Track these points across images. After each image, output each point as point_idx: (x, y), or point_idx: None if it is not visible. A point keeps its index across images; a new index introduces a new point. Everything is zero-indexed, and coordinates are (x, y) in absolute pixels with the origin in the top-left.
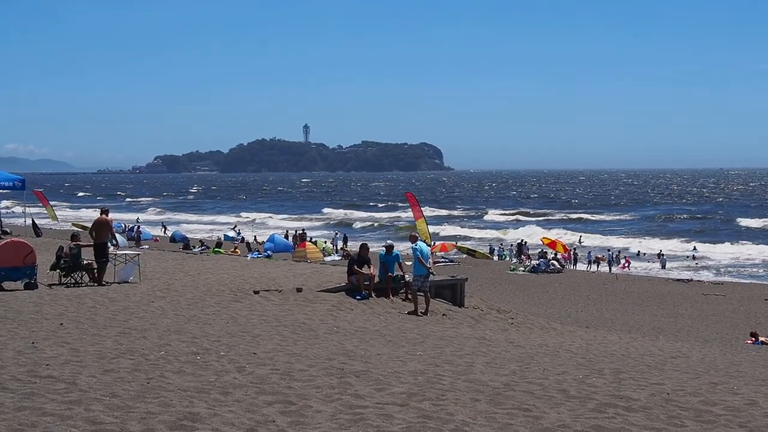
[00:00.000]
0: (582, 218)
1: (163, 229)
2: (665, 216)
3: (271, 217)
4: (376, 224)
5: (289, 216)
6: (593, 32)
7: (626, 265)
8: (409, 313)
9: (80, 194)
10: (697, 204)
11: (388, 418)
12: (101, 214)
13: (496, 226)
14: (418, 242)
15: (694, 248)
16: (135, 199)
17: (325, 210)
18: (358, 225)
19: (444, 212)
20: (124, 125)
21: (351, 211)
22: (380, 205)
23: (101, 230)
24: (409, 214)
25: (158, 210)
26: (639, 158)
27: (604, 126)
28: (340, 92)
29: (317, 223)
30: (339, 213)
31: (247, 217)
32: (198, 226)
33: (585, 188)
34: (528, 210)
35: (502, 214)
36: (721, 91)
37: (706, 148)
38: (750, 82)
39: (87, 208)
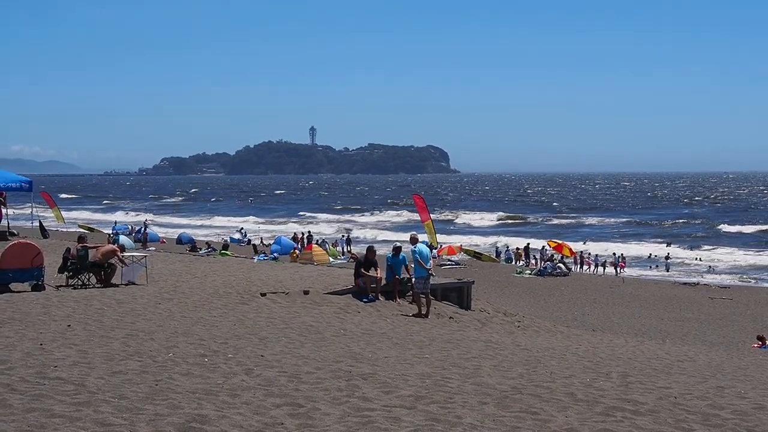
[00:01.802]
0: (561, 224)
1: (143, 228)
2: (671, 221)
3: (246, 220)
4: (334, 229)
5: (256, 219)
6: (603, 33)
7: (621, 266)
8: (414, 316)
9: (62, 196)
10: (697, 207)
11: (396, 421)
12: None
13: (460, 230)
14: (418, 244)
15: (695, 254)
16: (114, 202)
17: (301, 213)
18: (312, 229)
19: (414, 215)
20: (131, 127)
21: (327, 215)
22: (353, 207)
23: (106, 254)
24: (382, 219)
25: (134, 213)
26: (655, 161)
27: (616, 128)
28: (347, 95)
29: (283, 227)
30: (313, 217)
31: (208, 220)
32: (166, 230)
33: (579, 191)
34: (507, 214)
35: (474, 219)
36: (723, 93)
37: (709, 151)
38: (752, 85)
39: (66, 210)
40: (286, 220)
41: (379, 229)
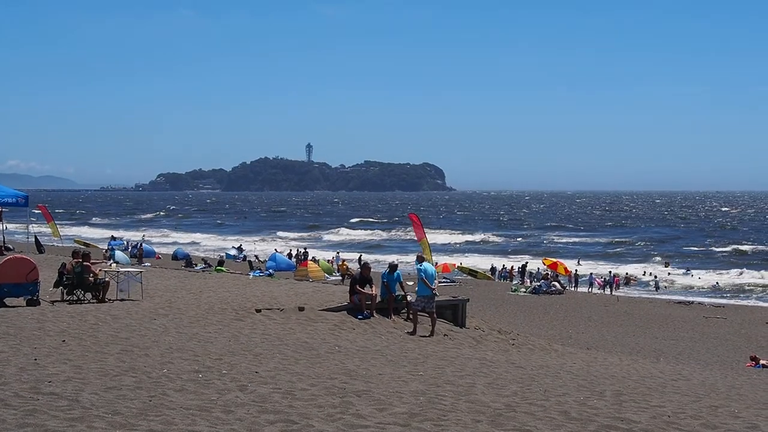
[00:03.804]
0: (528, 242)
1: (139, 244)
2: (664, 239)
3: (211, 237)
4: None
5: (207, 235)
6: (602, 51)
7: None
8: (408, 334)
9: (36, 210)
10: (671, 227)
11: None
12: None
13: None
14: (425, 263)
15: (688, 270)
16: (82, 217)
17: (267, 230)
18: (266, 247)
19: (367, 232)
20: (127, 142)
21: (290, 233)
22: (327, 225)
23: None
24: (347, 238)
25: (100, 228)
26: (655, 179)
27: (616, 146)
28: (344, 112)
29: (235, 244)
30: (273, 233)
31: (164, 236)
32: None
33: (559, 209)
34: (469, 232)
35: (440, 238)
36: (724, 113)
37: (710, 170)
38: (754, 105)
39: (37, 224)
40: (237, 238)
41: (342, 249)
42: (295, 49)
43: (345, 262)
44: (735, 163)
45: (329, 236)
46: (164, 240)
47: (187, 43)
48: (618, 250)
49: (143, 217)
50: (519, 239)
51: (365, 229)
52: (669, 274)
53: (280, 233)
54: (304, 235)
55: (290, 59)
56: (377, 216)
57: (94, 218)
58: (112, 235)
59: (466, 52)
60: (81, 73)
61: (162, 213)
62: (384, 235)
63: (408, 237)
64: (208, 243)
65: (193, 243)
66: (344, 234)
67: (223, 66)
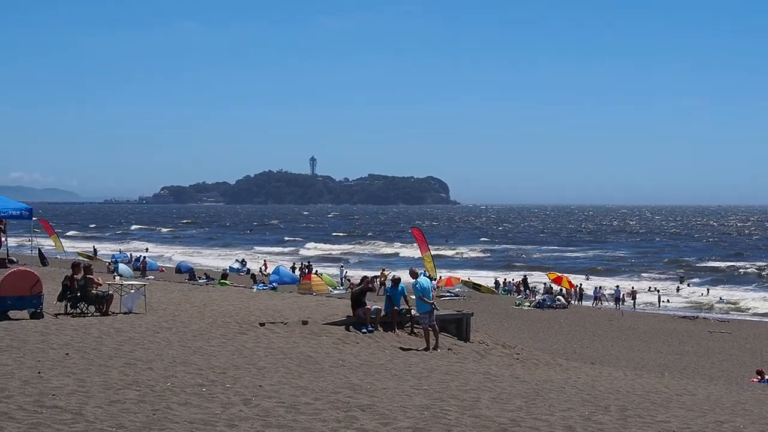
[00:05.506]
0: (504, 256)
1: (142, 257)
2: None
3: (200, 252)
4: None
5: (176, 248)
6: (604, 65)
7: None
8: (423, 350)
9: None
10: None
11: None
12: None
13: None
14: (419, 278)
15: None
16: (62, 230)
17: (246, 245)
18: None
19: (345, 246)
20: (131, 155)
21: (269, 247)
22: (307, 239)
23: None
24: (320, 252)
25: (79, 240)
26: (656, 194)
27: (618, 160)
28: (348, 125)
29: (205, 259)
30: (250, 248)
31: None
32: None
33: (561, 223)
34: (464, 246)
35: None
36: (725, 126)
37: (711, 185)
38: (756, 119)
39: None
40: (211, 252)
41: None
42: (299, 62)
43: (384, 271)
44: (738, 175)
45: (301, 251)
46: (142, 254)
47: (190, 56)
48: (618, 264)
49: (123, 230)
50: (516, 253)
51: (336, 244)
52: (678, 290)
53: (257, 248)
54: (271, 249)
55: (293, 72)
56: (355, 231)
57: (71, 231)
58: (94, 247)
59: (470, 65)
60: (84, 85)
61: (149, 226)
62: (352, 249)
63: (380, 251)
64: (180, 258)
65: (161, 257)
66: (311, 248)
67: (225, 78)
